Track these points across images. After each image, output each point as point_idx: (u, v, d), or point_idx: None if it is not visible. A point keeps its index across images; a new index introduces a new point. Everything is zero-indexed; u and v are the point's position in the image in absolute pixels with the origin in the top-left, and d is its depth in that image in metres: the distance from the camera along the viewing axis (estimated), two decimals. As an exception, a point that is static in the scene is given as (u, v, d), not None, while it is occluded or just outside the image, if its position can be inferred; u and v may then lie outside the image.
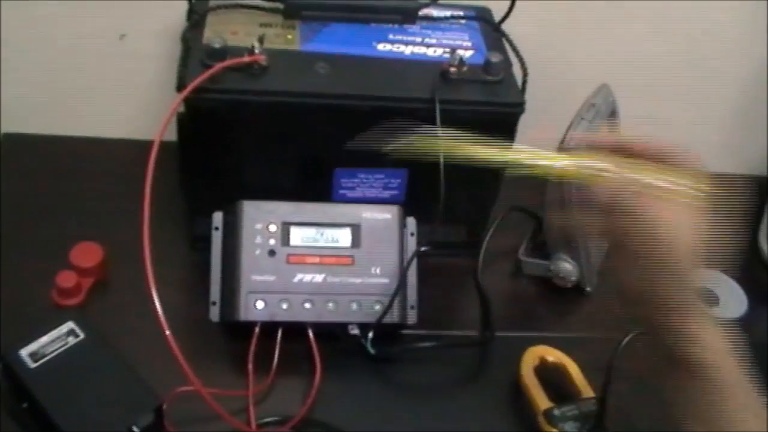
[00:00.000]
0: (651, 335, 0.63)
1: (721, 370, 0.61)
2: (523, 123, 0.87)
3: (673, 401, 0.63)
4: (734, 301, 1.03)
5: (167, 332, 0.70)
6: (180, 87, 0.79)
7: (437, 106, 0.82)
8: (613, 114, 0.98)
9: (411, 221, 0.87)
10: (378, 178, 0.90)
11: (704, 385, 0.61)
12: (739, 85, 1.15)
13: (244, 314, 0.81)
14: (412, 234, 0.87)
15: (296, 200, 0.85)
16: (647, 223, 0.60)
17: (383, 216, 0.85)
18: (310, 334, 0.82)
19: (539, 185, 0.89)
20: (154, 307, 0.71)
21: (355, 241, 0.84)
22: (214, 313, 0.83)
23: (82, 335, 0.76)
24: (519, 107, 0.86)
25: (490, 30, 0.95)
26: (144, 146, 0.74)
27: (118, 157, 1.04)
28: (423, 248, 0.85)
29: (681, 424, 0.62)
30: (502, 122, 0.85)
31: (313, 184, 0.89)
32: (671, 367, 0.62)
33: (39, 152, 1.05)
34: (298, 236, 0.84)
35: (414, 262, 0.85)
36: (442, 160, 0.78)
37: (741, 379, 0.61)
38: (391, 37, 0.90)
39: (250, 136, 0.85)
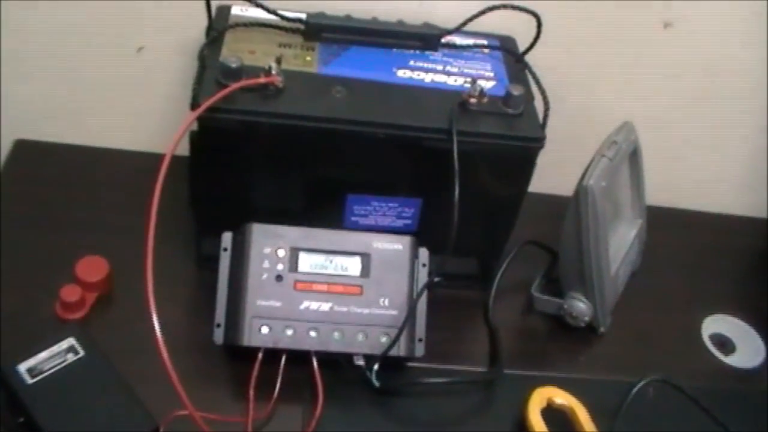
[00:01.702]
0: None
1: None
2: (542, 158, 0.87)
3: None
4: (751, 349, 1.02)
5: (164, 353, 0.69)
6: (194, 105, 0.79)
7: (455, 138, 0.82)
8: (635, 152, 0.97)
9: (423, 252, 0.87)
10: (391, 207, 0.90)
11: None
12: (760, 124, 1.15)
13: (248, 339, 0.80)
14: (423, 265, 0.86)
15: (307, 225, 0.85)
16: None
17: (394, 246, 0.85)
18: (314, 362, 0.82)
19: (556, 220, 0.89)
20: (154, 325, 0.71)
21: (365, 271, 0.84)
22: (218, 336, 0.82)
23: (82, 352, 0.76)
24: (539, 142, 0.85)
25: (513, 61, 0.94)
26: (157, 159, 0.74)
27: (130, 169, 1.04)
28: (436, 279, 0.84)
29: None
30: (520, 157, 0.85)
31: (324, 210, 0.89)
32: None
33: (50, 160, 1.06)
34: (307, 263, 0.84)
35: (424, 294, 0.85)
36: (456, 190, 0.78)
37: None
38: (411, 63, 0.90)
39: (262, 157, 0.85)
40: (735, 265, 1.13)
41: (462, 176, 0.80)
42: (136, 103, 1.07)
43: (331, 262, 0.84)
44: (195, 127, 0.80)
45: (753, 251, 1.16)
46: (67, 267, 0.88)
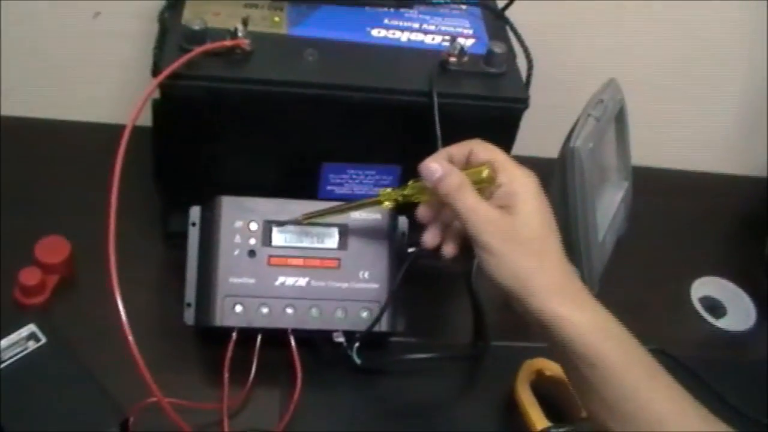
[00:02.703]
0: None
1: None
2: (525, 120, 0.85)
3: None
4: (742, 312, 1.02)
5: (130, 338, 0.67)
6: (155, 72, 0.76)
7: (435, 100, 0.80)
8: (621, 112, 0.96)
9: (403, 221, 0.85)
10: (369, 175, 0.88)
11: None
12: (746, 84, 1.15)
13: (221, 319, 0.79)
14: (403, 234, 0.85)
15: (280, 197, 0.82)
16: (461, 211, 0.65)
17: (373, 216, 0.83)
18: (292, 341, 0.80)
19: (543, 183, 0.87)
20: (118, 308, 0.68)
21: (342, 243, 0.82)
22: (189, 316, 0.81)
23: (43, 340, 0.74)
24: (522, 103, 0.84)
25: (493, 17, 0.93)
26: (118, 131, 0.72)
27: (89, 142, 1.01)
28: (412, 249, 0.83)
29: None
30: (504, 118, 0.84)
31: (298, 180, 0.88)
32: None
33: (3, 135, 1.02)
34: (281, 236, 0.82)
35: (405, 265, 0.83)
36: (439, 148, 0.76)
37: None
38: (386, 22, 0.88)
39: (230, 126, 0.83)
40: (723, 226, 1.13)
41: (443, 140, 0.78)
42: (93, 72, 1.05)
43: (306, 234, 0.82)
44: (157, 95, 0.78)
45: (742, 211, 1.16)
46: (26, 248, 0.86)
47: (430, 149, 0.75)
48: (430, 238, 0.72)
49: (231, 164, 0.87)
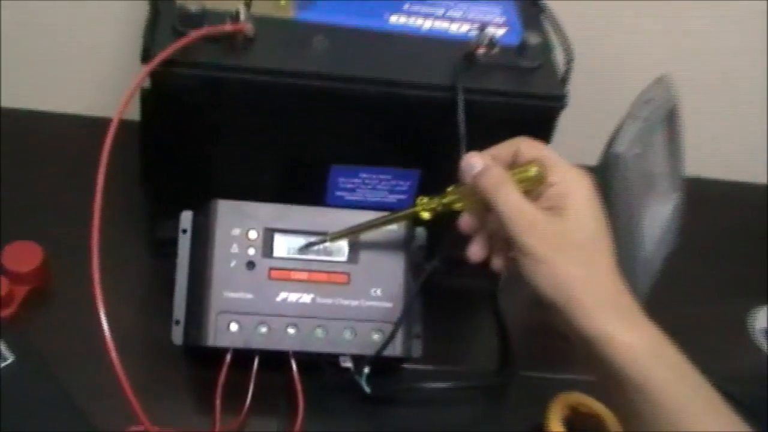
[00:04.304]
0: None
1: (652, 381, 0.61)
2: (563, 120, 0.85)
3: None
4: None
5: (114, 357, 0.68)
6: (145, 58, 0.77)
7: (460, 96, 0.80)
8: (672, 113, 0.95)
9: (421, 233, 0.86)
10: (383, 179, 0.89)
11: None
12: None
13: (214, 338, 0.79)
14: (421, 247, 0.86)
15: (282, 202, 0.83)
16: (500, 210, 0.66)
17: (387, 226, 0.83)
18: (293, 365, 0.81)
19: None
20: (102, 325, 0.69)
21: (353, 256, 0.83)
22: (177, 335, 0.81)
23: (11, 358, 0.75)
24: (559, 101, 0.84)
25: (528, 4, 0.93)
26: (103, 125, 0.72)
27: (70, 136, 1.02)
28: (433, 264, 0.83)
29: None
30: (538, 118, 0.84)
31: (303, 184, 0.88)
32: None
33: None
34: (283, 246, 0.82)
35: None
36: (463, 151, 0.76)
37: (684, 395, 0.61)
38: (406, 7, 0.89)
39: (228, 121, 0.83)
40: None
41: (469, 141, 0.78)
42: (78, 59, 1.05)
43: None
44: (147, 84, 0.78)
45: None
46: (-8, 256, 0.86)
47: (454, 151, 0.76)
48: (476, 250, 0.72)
49: (228, 164, 0.87)
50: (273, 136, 0.85)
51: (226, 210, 0.81)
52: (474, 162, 0.69)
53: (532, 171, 0.68)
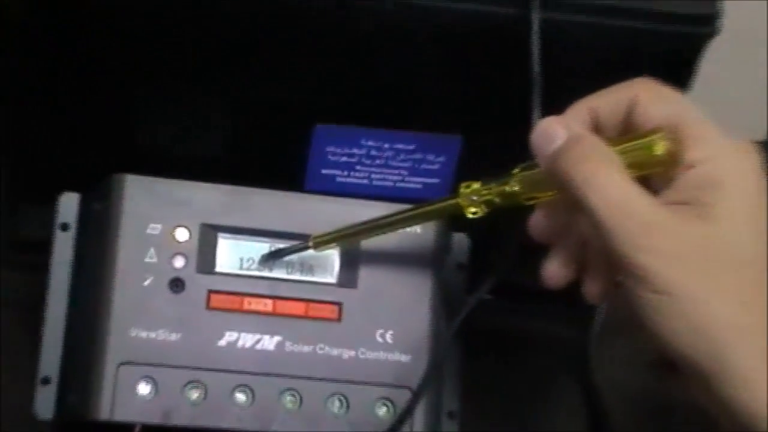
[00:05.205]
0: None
1: None
2: (710, 55, 0.70)
3: None
4: None
5: None
6: None
7: (535, 16, 0.65)
8: None
9: (460, 241, 0.72)
10: (401, 150, 0.74)
11: None
12: None
13: (110, 409, 0.64)
14: (460, 265, 0.72)
15: (233, 182, 0.68)
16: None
17: (407, 228, 0.68)
18: (244, 455, 0.69)
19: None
20: None
21: (348, 275, 0.68)
22: (45, 405, 0.67)
23: None
24: (708, 24, 0.68)
25: None
26: None
27: None
28: (481, 294, 0.67)
29: None
30: (671, 54, 0.69)
31: (269, 154, 0.75)
32: None
33: None
34: (233, 256, 0.67)
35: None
36: (537, 108, 0.64)
37: None
38: None
39: (146, 37, 0.70)
40: None
41: (547, 92, 0.65)
42: None
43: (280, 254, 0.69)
44: None
45: None
46: None
47: (521, 108, 0.65)
48: (555, 270, 0.59)
49: (144, 117, 0.75)
50: (222, 75, 0.72)
51: (137, 191, 0.67)
52: (553, 131, 0.56)
53: (659, 145, 0.54)
